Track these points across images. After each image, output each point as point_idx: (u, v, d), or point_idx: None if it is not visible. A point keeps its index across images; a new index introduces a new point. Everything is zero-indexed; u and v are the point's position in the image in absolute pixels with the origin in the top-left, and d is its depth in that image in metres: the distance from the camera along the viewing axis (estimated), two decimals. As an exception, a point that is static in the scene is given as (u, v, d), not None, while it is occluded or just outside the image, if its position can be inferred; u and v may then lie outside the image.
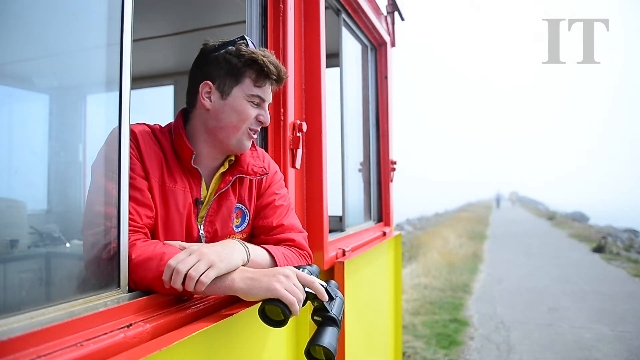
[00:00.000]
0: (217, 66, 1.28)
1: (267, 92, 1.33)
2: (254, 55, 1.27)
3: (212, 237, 1.32)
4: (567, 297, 7.57)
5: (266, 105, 1.34)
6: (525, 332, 5.72)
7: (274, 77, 1.31)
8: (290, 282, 1.05)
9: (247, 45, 1.31)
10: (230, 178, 1.34)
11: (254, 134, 1.34)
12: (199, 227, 1.30)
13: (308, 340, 1.06)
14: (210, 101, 1.29)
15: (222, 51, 1.29)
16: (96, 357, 0.79)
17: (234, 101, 1.28)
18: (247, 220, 1.39)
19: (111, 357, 0.80)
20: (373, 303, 2.62)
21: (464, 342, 5.40)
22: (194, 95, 1.31)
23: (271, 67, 1.29)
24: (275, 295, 1.02)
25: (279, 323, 1.03)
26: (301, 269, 1.14)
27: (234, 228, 1.36)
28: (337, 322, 1.09)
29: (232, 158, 1.37)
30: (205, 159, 1.33)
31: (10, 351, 0.69)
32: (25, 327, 0.72)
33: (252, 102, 1.30)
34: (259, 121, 1.33)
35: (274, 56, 1.33)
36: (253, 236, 1.41)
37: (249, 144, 1.35)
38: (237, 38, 1.33)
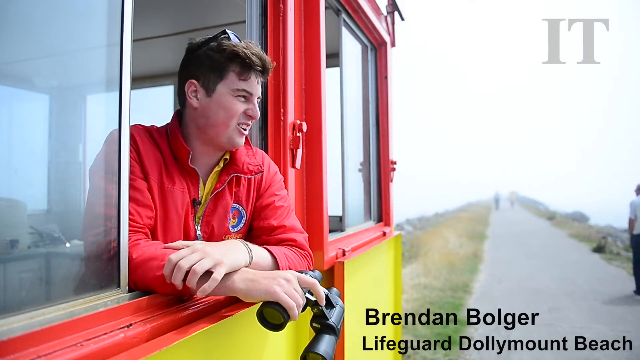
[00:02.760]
0: (200, 64, 1.28)
1: (254, 85, 1.29)
2: (235, 49, 1.24)
3: (209, 237, 1.32)
4: (567, 297, 7.57)
5: (255, 98, 1.30)
6: (525, 332, 5.72)
7: (259, 68, 1.27)
8: (290, 286, 1.04)
9: (229, 39, 1.28)
10: (226, 177, 1.33)
11: (246, 129, 1.31)
12: (196, 227, 1.30)
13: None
14: (197, 99, 1.28)
15: (205, 48, 1.28)
16: (96, 357, 0.79)
17: (220, 97, 1.27)
18: (243, 221, 1.39)
19: (111, 357, 0.80)
20: (373, 303, 2.62)
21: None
22: (182, 95, 1.31)
23: (254, 58, 1.25)
24: (275, 298, 1.01)
25: (276, 327, 1.02)
26: (303, 274, 1.12)
27: (230, 228, 1.36)
28: (335, 331, 1.07)
29: (227, 157, 1.36)
30: (201, 158, 1.32)
31: (10, 351, 0.69)
32: (25, 327, 0.72)
33: (238, 96, 1.27)
34: (248, 116, 1.29)
35: (258, 47, 1.30)
36: (253, 237, 1.40)
37: (241, 140, 1.32)
38: (218, 33, 1.30)
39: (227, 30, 1.30)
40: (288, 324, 1.02)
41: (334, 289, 1.19)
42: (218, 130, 1.28)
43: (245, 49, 1.25)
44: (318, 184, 1.94)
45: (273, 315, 1.02)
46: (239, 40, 1.31)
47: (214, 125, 1.28)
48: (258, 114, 1.31)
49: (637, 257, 7.66)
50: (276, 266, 1.22)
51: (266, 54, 1.32)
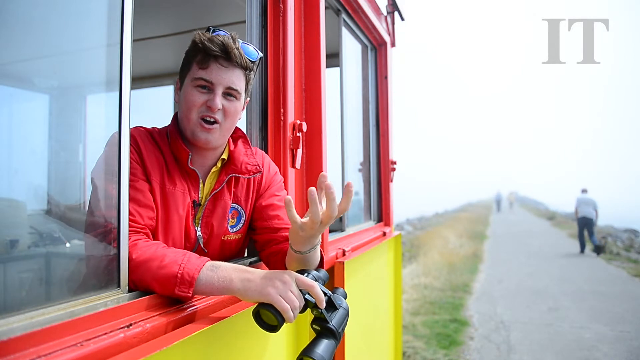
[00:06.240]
0: (182, 62, 1.29)
1: (214, 73, 1.21)
2: (195, 38, 1.22)
3: (209, 238, 1.32)
4: (567, 297, 7.57)
5: (218, 88, 1.22)
6: (525, 332, 5.72)
7: (216, 52, 1.19)
8: (286, 288, 1.02)
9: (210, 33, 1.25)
10: (224, 177, 1.33)
11: (211, 122, 1.23)
12: (196, 228, 1.30)
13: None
14: (178, 96, 1.31)
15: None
16: (96, 357, 0.79)
17: (185, 89, 1.26)
18: (242, 221, 1.39)
19: (111, 357, 0.80)
20: (373, 303, 2.62)
21: (464, 342, 5.40)
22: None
23: (207, 43, 1.19)
24: (269, 300, 0.99)
25: (272, 328, 1.01)
26: (305, 274, 1.09)
27: (229, 228, 1.36)
28: (335, 334, 1.03)
29: (225, 157, 1.35)
30: (198, 159, 1.31)
31: (10, 351, 0.69)
32: (25, 327, 0.72)
33: (198, 87, 1.22)
34: (208, 107, 1.21)
35: (231, 38, 1.23)
36: (257, 235, 1.41)
37: (206, 135, 1.24)
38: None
39: (212, 27, 1.28)
40: (288, 324, 1.01)
41: (340, 290, 1.16)
42: (184, 125, 1.27)
43: (203, 36, 1.21)
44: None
45: (268, 316, 1.01)
46: (227, 35, 1.26)
47: (182, 120, 1.28)
48: (217, 105, 1.21)
49: (580, 230, 12.82)
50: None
51: (258, 48, 1.30)
